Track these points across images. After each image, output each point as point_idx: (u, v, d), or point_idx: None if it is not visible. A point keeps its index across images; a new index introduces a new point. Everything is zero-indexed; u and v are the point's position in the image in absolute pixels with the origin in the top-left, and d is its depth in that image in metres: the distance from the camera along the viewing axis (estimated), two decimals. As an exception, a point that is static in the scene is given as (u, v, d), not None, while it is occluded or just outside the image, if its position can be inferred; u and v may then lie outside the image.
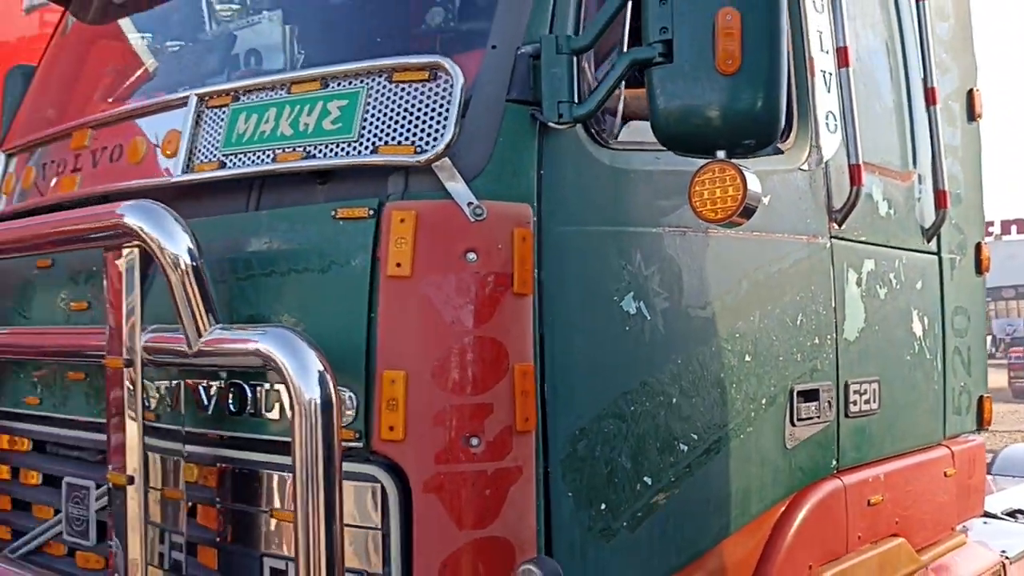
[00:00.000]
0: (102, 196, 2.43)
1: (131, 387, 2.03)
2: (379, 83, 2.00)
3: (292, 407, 1.79)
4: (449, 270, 1.90)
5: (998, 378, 18.36)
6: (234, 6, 2.78)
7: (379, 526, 1.90)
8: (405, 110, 1.96)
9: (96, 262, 2.42)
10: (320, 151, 2.04)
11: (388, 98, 1.99)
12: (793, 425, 2.61)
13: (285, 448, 2.02)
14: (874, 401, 2.95)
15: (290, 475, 2.01)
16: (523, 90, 2.01)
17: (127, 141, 2.42)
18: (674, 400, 2.27)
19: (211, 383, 2.18)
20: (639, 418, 2.19)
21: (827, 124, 2.79)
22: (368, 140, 1.98)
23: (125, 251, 2.02)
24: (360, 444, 1.93)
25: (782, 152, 2.28)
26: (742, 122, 1.89)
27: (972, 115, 3.71)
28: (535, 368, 1.97)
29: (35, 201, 2.68)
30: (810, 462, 2.68)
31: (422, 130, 1.94)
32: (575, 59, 2.01)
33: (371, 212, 1.95)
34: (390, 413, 1.88)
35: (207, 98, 2.26)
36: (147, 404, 2.17)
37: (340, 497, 1.79)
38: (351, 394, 1.93)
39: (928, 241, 3.31)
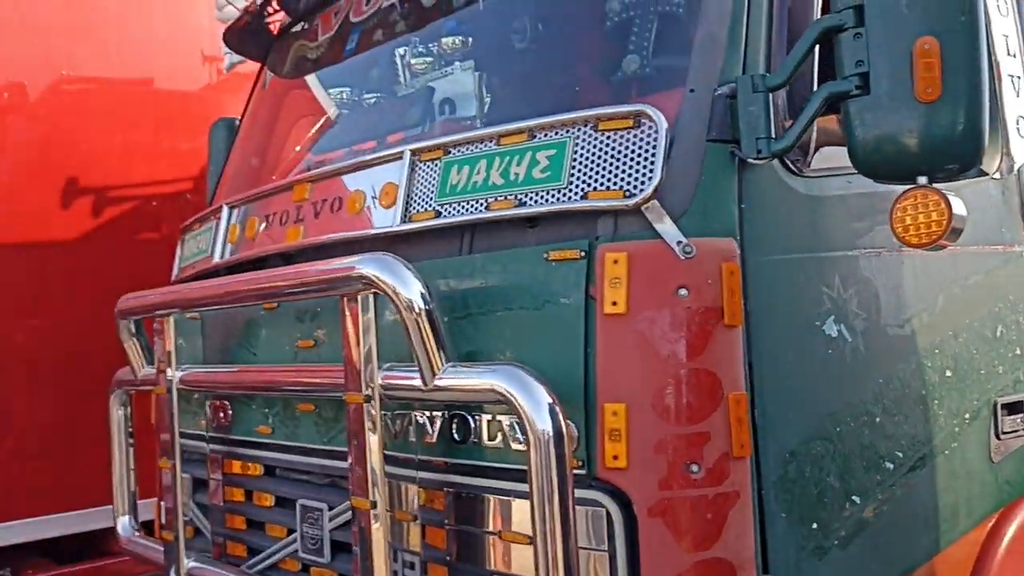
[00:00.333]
0: (326, 245, 2.68)
1: (371, 420, 2.24)
2: (585, 132, 2.14)
3: (526, 439, 1.95)
4: (663, 307, 2.01)
5: None
6: (427, 59, 2.99)
7: (606, 548, 2.03)
8: (612, 156, 2.09)
9: (319, 303, 2.67)
10: (531, 198, 2.19)
11: (594, 146, 2.12)
12: (998, 438, 2.59)
13: (508, 474, 2.20)
14: (1083, 410, 2.88)
15: (513, 499, 2.19)
16: (722, 129, 2.10)
17: (346, 193, 2.65)
18: (878, 419, 2.31)
19: (435, 414, 2.37)
20: (845, 438, 2.24)
21: (1018, 129, 2.76)
22: (577, 186, 2.12)
23: (361, 297, 2.23)
24: (584, 471, 2.06)
25: (987, 174, 2.29)
26: (944, 148, 1.93)
27: None
28: (747, 396, 2.06)
29: (262, 249, 2.96)
30: (1018, 475, 2.65)
31: (629, 175, 2.06)
32: (770, 96, 2.10)
33: (582, 253, 2.09)
34: (613, 443, 2.01)
35: (420, 152, 2.46)
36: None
37: (574, 521, 1.93)
38: (573, 425, 2.07)
39: None
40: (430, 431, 2.38)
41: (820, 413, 2.21)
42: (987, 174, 2.38)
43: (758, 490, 2.08)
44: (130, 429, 3.61)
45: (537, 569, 1.93)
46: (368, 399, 2.24)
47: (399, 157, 2.50)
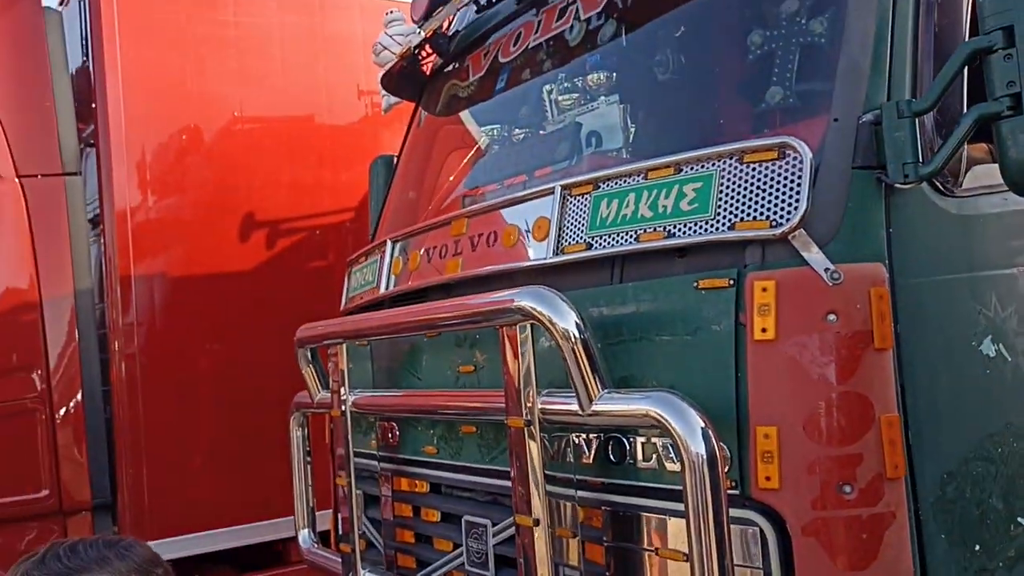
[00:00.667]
0: (483, 277, 2.86)
1: (531, 443, 2.38)
2: (731, 165, 2.22)
3: (681, 461, 2.04)
4: (812, 332, 2.07)
5: None
6: (573, 94, 3.13)
7: (760, 566, 2.10)
8: (758, 187, 2.17)
9: (478, 331, 2.84)
10: (680, 230, 2.29)
11: (740, 178, 2.20)
12: None
13: (664, 493, 2.29)
14: None
15: (669, 517, 2.28)
16: (867, 156, 2.14)
17: (501, 228, 2.82)
18: (1043, 439, 2.27)
19: (591, 436, 2.49)
20: (1007, 459, 2.22)
21: None
22: (724, 217, 2.21)
23: (520, 328, 2.38)
24: (737, 491, 2.14)
25: None
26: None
27: None
28: (899, 418, 2.08)
29: (424, 281, 3.17)
30: None
31: (775, 205, 2.13)
32: (916, 121, 2.12)
33: (731, 282, 2.17)
34: (766, 465, 2.08)
35: (570, 188, 2.59)
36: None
37: (729, 539, 2.01)
38: (725, 447, 2.15)
39: None
40: (587, 452, 2.50)
41: (979, 434, 2.20)
42: None
43: (915, 511, 2.10)
44: (308, 448, 3.90)
45: (694, 586, 2.02)
46: (528, 423, 2.39)
47: (550, 192, 2.64)
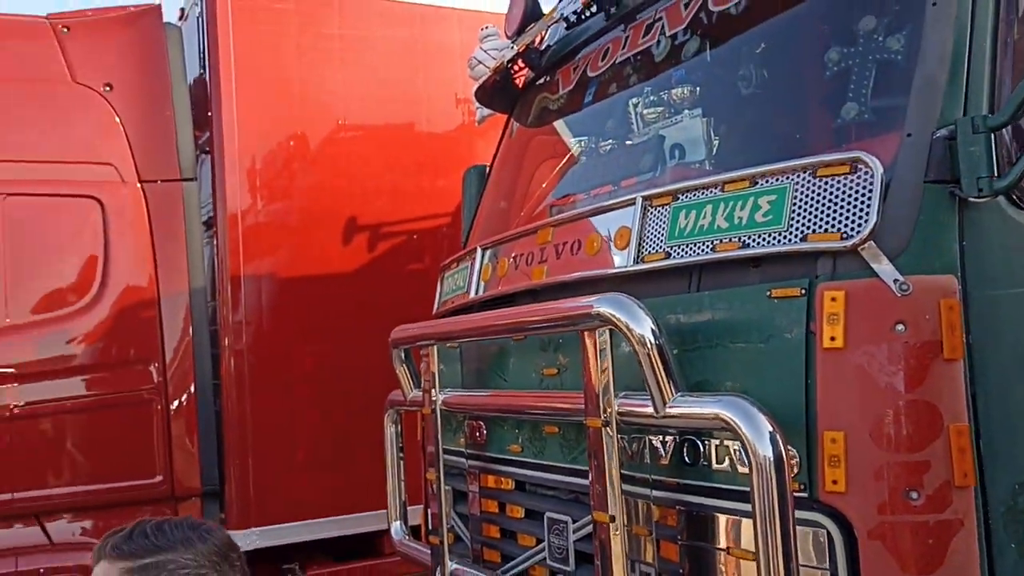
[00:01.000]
0: (567, 283, 2.99)
1: (609, 443, 2.50)
2: (804, 178, 2.30)
3: (749, 464, 2.13)
4: (880, 341, 2.13)
5: None
6: (658, 108, 3.23)
7: (827, 567, 2.17)
8: (830, 200, 2.24)
9: (561, 336, 2.97)
10: (754, 240, 2.37)
11: (813, 191, 2.27)
12: None
13: (735, 495, 2.38)
14: None
15: (741, 519, 2.37)
16: (940, 171, 2.19)
17: (584, 237, 2.95)
18: (1123, 453, 2.27)
19: (667, 437, 2.59)
20: (1082, 472, 2.23)
21: None
22: (797, 229, 2.28)
23: (599, 333, 2.50)
24: (804, 494, 2.21)
25: None
26: None
27: None
28: (970, 427, 2.12)
29: (512, 287, 3.32)
30: None
31: (847, 218, 2.20)
32: (991, 136, 2.16)
33: (803, 291, 2.25)
34: (832, 469, 2.15)
35: (651, 199, 2.70)
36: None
37: (795, 541, 2.09)
38: (794, 450, 2.22)
39: None
40: (662, 453, 2.60)
41: (1054, 445, 2.22)
42: None
43: (985, 520, 2.13)
44: (400, 444, 4.09)
45: (760, 584, 2.10)
46: (606, 424, 2.50)
47: (632, 203, 2.76)
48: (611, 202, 2.90)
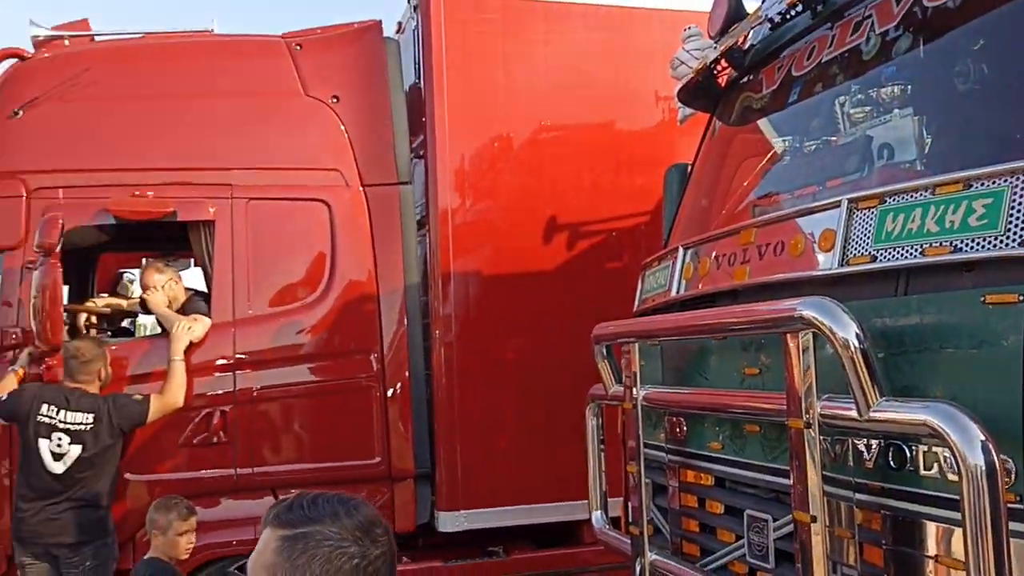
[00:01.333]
0: (769, 284, 3.01)
1: (811, 444, 2.52)
2: (1023, 182, 2.23)
3: (959, 472, 2.10)
4: (1105, 351, 2.05)
5: None
6: (866, 107, 3.18)
7: (1046, 582, 2.11)
8: (1050, 205, 2.16)
9: (763, 336, 3.00)
10: (967, 245, 2.33)
11: (1033, 195, 2.21)
12: None
13: (944, 503, 2.34)
14: None
15: (950, 527, 2.33)
16: None
17: (788, 238, 2.96)
18: None
19: (871, 441, 2.58)
20: None
21: None
22: (1015, 234, 2.22)
23: (802, 335, 2.53)
24: (1020, 506, 2.15)
25: None
26: None
27: None
28: None
29: (713, 286, 3.37)
30: None
31: (1070, 222, 2.12)
32: None
33: (1020, 298, 2.18)
34: (1051, 480, 2.09)
35: (857, 201, 2.69)
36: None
37: (1008, 552, 2.04)
38: (1009, 460, 2.17)
39: None
40: (866, 457, 2.59)
41: None
42: None
43: None
44: (602, 436, 4.23)
45: (970, 596, 2.07)
46: (808, 425, 2.53)
47: (837, 205, 2.75)
48: (816, 204, 2.90)
